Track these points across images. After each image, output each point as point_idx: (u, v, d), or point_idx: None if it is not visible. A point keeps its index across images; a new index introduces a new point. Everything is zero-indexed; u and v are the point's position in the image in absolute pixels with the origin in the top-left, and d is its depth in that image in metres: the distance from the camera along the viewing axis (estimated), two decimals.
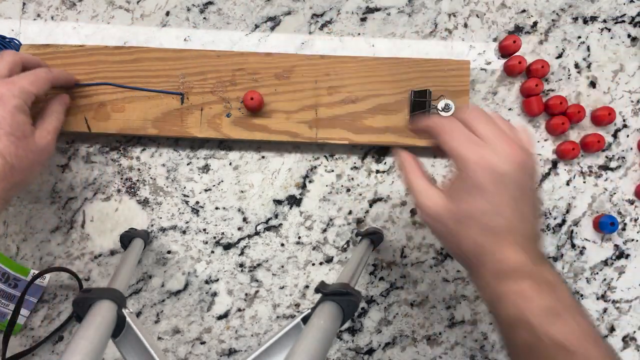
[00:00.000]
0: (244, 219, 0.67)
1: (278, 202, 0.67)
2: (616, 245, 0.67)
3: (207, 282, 0.66)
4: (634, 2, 0.69)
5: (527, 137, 0.42)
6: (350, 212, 0.67)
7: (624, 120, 0.68)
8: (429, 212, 0.41)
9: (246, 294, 0.67)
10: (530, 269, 0.37)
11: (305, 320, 0.41)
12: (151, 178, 0.67)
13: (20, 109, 0.47)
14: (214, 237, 0.67)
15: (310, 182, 0.67)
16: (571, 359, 0.33)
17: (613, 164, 0.67)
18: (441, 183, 0.45)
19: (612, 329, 0.67)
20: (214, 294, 0.66)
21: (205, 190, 0.67)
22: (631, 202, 0.67)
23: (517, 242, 0.38)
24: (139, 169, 0.67)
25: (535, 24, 0.68)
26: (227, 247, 0.67)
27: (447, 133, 0.41)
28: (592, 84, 0.68)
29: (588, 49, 0.68)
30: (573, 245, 0.67)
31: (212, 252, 0.66)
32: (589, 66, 0.68)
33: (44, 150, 0.51)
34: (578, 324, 0.35)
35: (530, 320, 0.34)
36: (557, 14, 0.68)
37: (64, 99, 0.58)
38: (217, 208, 0.67)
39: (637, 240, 0.67)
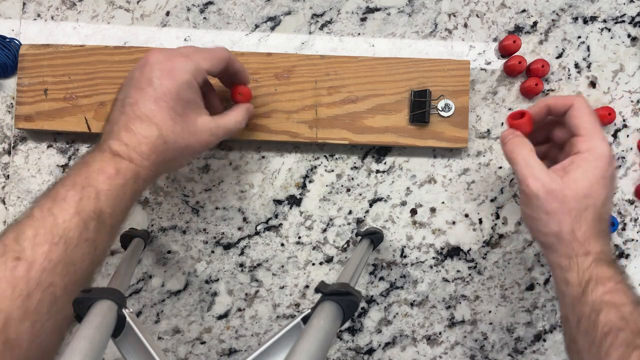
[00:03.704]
0: (244, 219, 0.67)
1: (278, 202, 0.67)
2: (616, 245, 0.67)
3: (207, 282, 0.66)
4: (633, 2, 0.69)
5: None
6: (350, 212, 0.67)
7: (623, 120, 0.68)
8: (539, 188, 0.42)
9: (246, 294, 0.67)
10: (612, 259, 0.42)
11: (305, 320, 0.41)
12: None
13: (188, 85, 0.43)
14: (214, 237, 0.67)
15: (310, 182, 0.67)
16: None
17: None
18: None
19: None
20: (214, 294, 0.66)
21: (205, 190, 0.67)
22: (631, 202, 0.67)
23: (607, 233, 0.43)
24: None
25: (535, 23, 0.68)
26: (227, 247, 0.67)
27: (590, 114, 0.44)
28: (592, 84, 0.68)
29: (588, 48, 0.68)
30: None
31: (212, 252, 0.67)
32: (589, 66, 0.68)
33: (202, 139, 0.46)
34: None
35: (618, 304, 0.37)
36: (557, 13, 0.68)
37: (249, 108, 0.54)
38: (217, 208, 0.67)
39: (637, 241, 0.67)
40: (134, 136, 0.42)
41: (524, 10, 0.68)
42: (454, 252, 0.67)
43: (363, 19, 0.68)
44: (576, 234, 0.40)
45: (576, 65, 0.68)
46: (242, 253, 0.67)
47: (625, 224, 0.67)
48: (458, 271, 0.67)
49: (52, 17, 0.68)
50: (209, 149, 0.52)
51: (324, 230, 0.67)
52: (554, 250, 0.42)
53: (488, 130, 0.67)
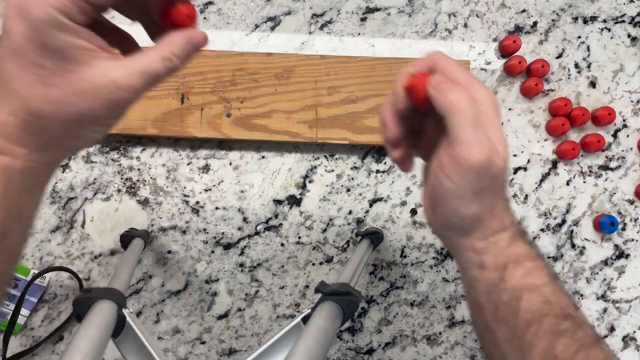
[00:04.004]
0: (244, 219, 0.67)
1: (278, 202, 0.67)
2: (616, 245, 0.67)
3: (207, 282, 0.66)
4: (633, 2, 0.69)
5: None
6: (350, 212, 0.67)
7: (623, 120, 0.68)
8: (484, 159, 0.31)
9: (246, 294, 0.67)
10: (523, 231, 0.37)
11: (305, 320, 0.41)
12: (151, 178, 0.67)
13: (52, 25, 0.28)
14: (214, 237, 0.67)
15: (310, 182, 0.67)
16: (575, 322, 0.32)
17: (613, 164, 0.67)
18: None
19: (612, 329, 0.67)
20: (214, 294, 0.66)
21: (206, 190, 0.67)
22: (631, 202, 0.67)
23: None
24: (139, 169, 0.67)
25: (535, 24, 0.68)
26: (227, 247, 0.67)
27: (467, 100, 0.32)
28: (592, 84, 0.68)
29: (588, 48, 0.68)
30: (573, 245, 0.67)
31: (212, 252, 0.67)
32: (589, 66, 0.68)
33: (102, 97, 0.29)
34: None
35: (541, 288, 0.33)
36: (557, 14, 0.68)
37: (195, 36, 0.33)
38: (217, 208, 0.67)
39: (637, 240, 0.67)
40: None
41: (524, 10, 0.68)
42: None
43: (363, 19, 0.68)
44: (495, 210, 0.33)
45: (576, 65, 0.68)
46: (242, 253, 0.67)
47: (625, 224, 0.67)
48: (458, 271, 0.67)
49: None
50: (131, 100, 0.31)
51: (324, 230, 0.67)
52: (467, 234, 0.34)
53: None
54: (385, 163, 0.67)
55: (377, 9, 0.68)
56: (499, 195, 0.34)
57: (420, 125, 0.37)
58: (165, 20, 0.34)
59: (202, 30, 0.33)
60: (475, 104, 0.31)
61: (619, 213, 0.67)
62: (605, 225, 0.65)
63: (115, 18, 0.34)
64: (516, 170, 0.67)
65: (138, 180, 0.66)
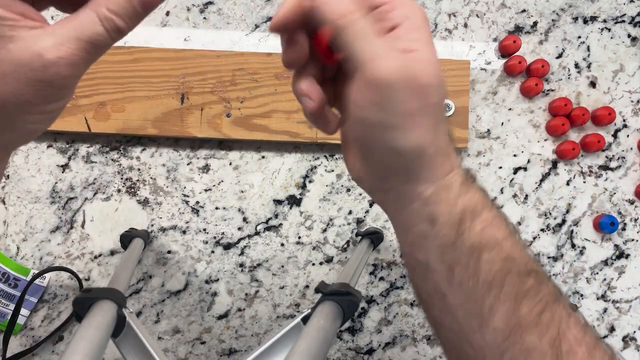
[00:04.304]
0: (244, 219, 0.67)
1: (278, 202, 0.67)
2: (616, 245, 0.67)
3: (207, 282, 0.66)
4: (634, 2, 0.69)
5: None
6: (350, 212, 0.67)
7: (624, 120, 0.68)
8: (393, 72, 0.25)
9: (246, 294, 0.67)
10: (473, 173, 0.30)
11: (305, 320, 0.41)
12: (151, 178, 0.67)
13: None
14: (214, 237, 0.67)
15: (310, 182, 0.67)
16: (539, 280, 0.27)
17: (613, 164, 0.67)
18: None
19: (612, 329, 0.67)
20: (214, 294, 0.66)
21: (206, 190, 0.67)
22: (631, 202, 0.67)
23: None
24: (139, 169, 0.67)
25: (535, 23, 0.68)
26: (227, 247, 0.67)
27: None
28: (592, 84, 0.68)
29: (588, 48, 0.68)
30: (573, 245, 0.67)
31: (212, 252, 0.66)
32: (589, 66, 0.68)
33: (31, 77, 0.23)
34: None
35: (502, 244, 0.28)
36: (557, 13, 0.68)
37: None
38: (217, 208, 0.67)
39: (637, 240, 0.67)
40: None
41: (524, 10, 0.68)
42: None
43: None
44: (439, 141, 0.27)
45: (576, 65, 0.68)
46: (242, 253, 0.67)
47: (625, 224, 0.67)
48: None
49: (52, 17, 0.68)
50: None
51: (324, 230, 0.67)
52: (410, 177, 0.27)
53: (488, 130, 0.67)
54: None
55: None
56: (439, 121, 0.26)
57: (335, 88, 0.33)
58: None
59: None
60: (373, 13, 0.25)
61: (619, 213, 0.67)
62: (606, 225, 0.65)
63: None
64: (516, 170, 0.67)
65: (138, 180, 0.66)
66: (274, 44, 0.68)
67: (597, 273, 0.67)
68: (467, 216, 0.27)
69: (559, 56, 0.68)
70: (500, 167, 0.67)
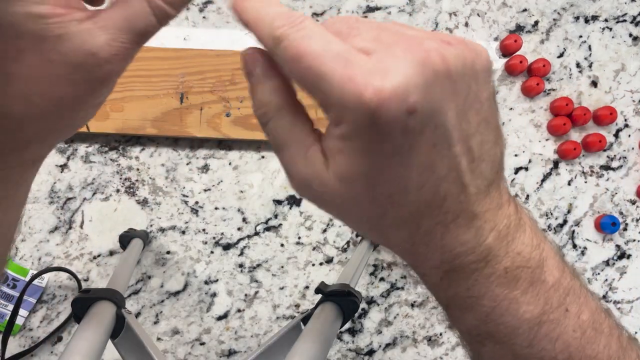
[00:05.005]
0: (244, 219, 0.66)
1: (278, 202, 0.67)
2: (617, 246, 0.67)
3: (206, 282, 0.66)
4: (635, 1, 0.68)
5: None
6: None
7: (625, 120, 0.67)
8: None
9: (246, 295, 0.66)
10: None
11: (305, 320, 0.41)
12: (150, 178, 0.66)
13: None
14: (214, 238, 0.66)
15: None
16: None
17: (614, 164, 0.67)
18: None
19: None
20: (214, 295, 0.66)
21: (205, 190, 0.66)
22: (633, 202, 0.67)
23: None
24: (138, 169, 0.66)
25: (536, 23, 0.68)
26: (227, 247, 0.66)
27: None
28: (594, 84, 0.68)
29: (589, 48, 0.68)
30: (574, 246, 0.67)
31: (212, 252, 0.66)
32: (590, 65, 0.68)
33: (89, 73, 0.22)
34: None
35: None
36: (558, 13, 0.68)
37: None
38: (216, 208, 0.66)
39: (638, 241, 0.67)
40: None
41: (525, 10, 0.68)
42: None
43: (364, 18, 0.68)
44: (493, 191, 0.22)
45: (577, 65, 0.68)
46: (241, 253, 0.66)
47: (626, 224, 0.67)
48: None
49: None
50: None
51: (324, 231, 0.67)
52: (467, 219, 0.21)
53: None
54: None
55: (377, 8, 0.68)
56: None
57: None
58: None
59: None
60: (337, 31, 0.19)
61: (621, 213, 0.67)
62: (607, 225, 0.64)
63: None
64: (517, 170, 0.67)
65: (137, 180, 0.66)
66: None
67: (599, 273, 0.66)
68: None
69: (560, 55, 0.68)
70: None
